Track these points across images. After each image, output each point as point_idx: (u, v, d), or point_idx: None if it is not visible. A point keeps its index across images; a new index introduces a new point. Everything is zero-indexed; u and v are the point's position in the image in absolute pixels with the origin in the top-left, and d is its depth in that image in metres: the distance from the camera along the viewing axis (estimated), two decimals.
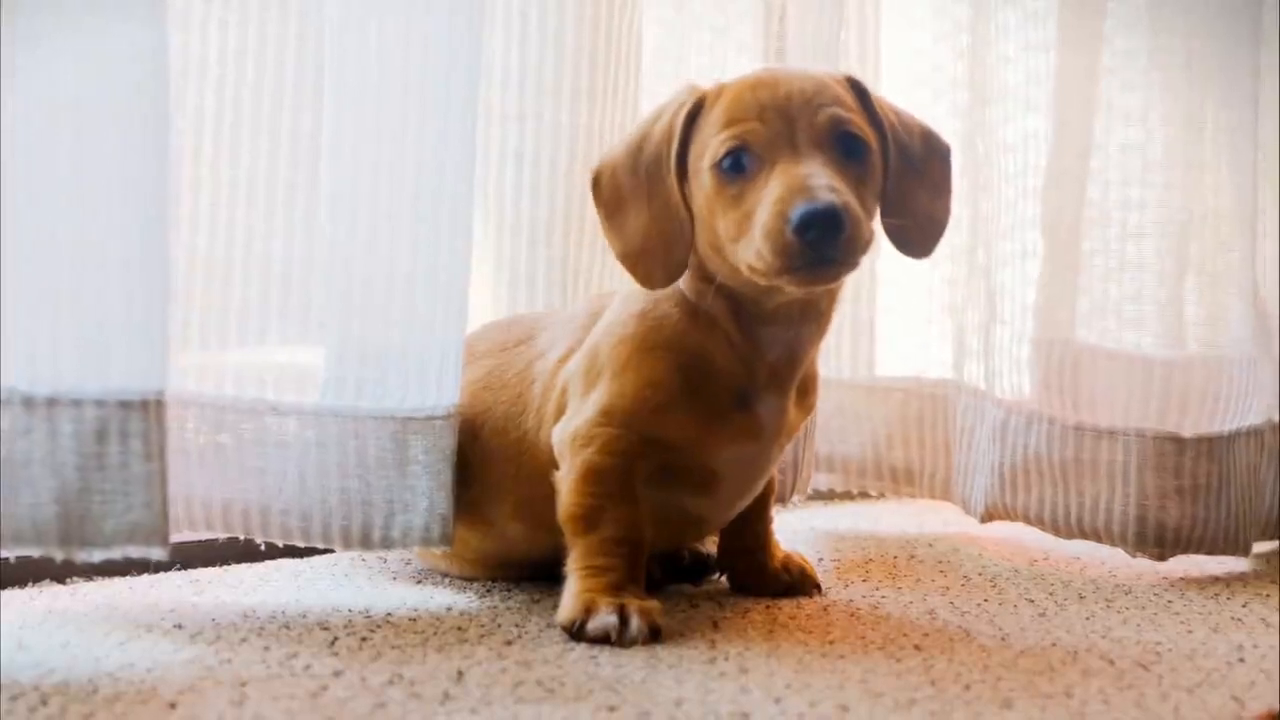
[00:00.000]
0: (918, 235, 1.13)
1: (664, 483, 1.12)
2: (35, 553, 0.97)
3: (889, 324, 1.65)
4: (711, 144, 1.05)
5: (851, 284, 1.57)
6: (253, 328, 1.16)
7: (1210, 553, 1.40)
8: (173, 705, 0.86)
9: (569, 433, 1.11)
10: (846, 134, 1.05)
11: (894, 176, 1.10)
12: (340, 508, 1.14)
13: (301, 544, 1.16)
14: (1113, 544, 1.40)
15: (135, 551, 0.98)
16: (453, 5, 1.13)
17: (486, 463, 1.18)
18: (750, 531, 1.24)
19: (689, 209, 1.08)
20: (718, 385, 1.10)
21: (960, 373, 1.53)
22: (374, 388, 1.14)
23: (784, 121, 1.04)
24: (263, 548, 1.22)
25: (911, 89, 1.60)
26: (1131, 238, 1.45)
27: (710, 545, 1.29)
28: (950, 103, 1.56)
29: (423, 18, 1.12)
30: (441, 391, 1.15)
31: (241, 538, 1.16)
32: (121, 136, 0.98)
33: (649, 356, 1.10)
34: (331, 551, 1.29)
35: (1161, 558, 1.40)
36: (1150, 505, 1.39)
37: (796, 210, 0.98)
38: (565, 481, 1.10)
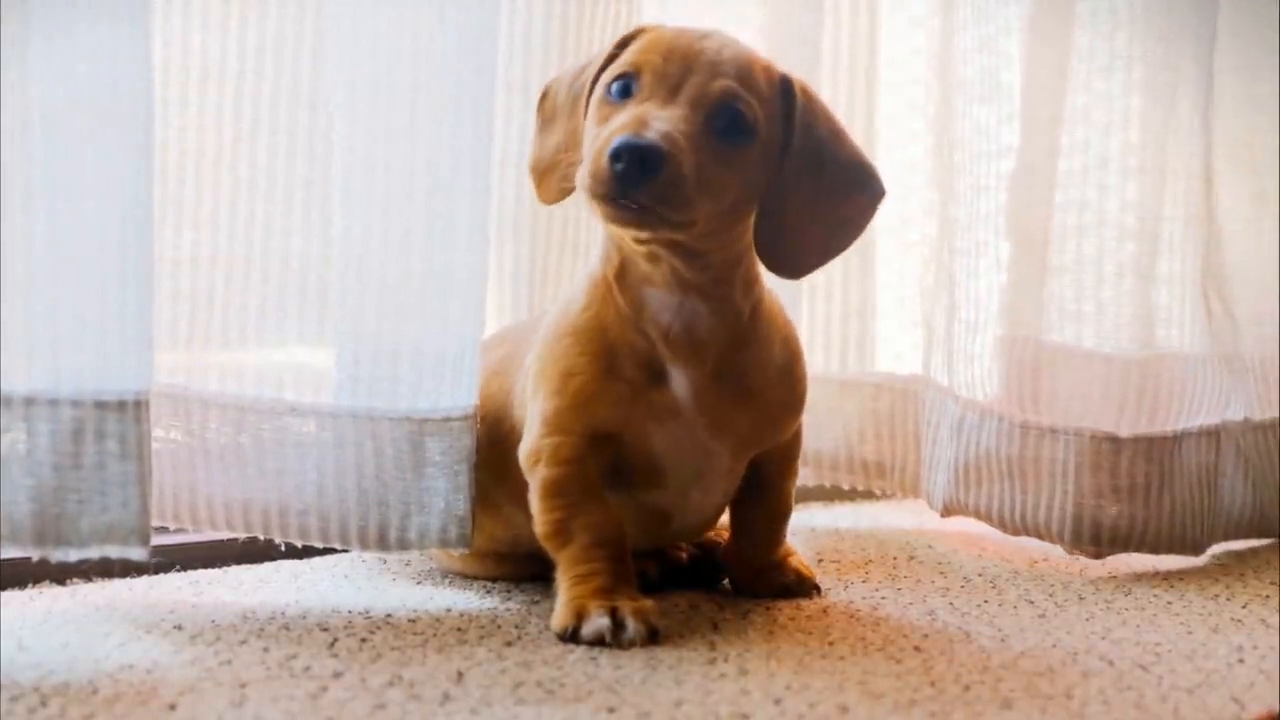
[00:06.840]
0: (781, 252, 1.10)
1: (616, 480, 1.12)
2: (12, 551, 0.98)
3: (874, 321, 1.64)
4: (613, 66, 1.07)
5: (825, 281, 1.59)
6: (271, 326, 1.17)
7: (1154, 552, 1.40)
8: (173, 706, 0.86)
9: (523, 452, 1.12)
10: (731, 110, 1.04)
11: (784, 184, 1.08)
12: (358, 509, 1.14)
13: (320, 544, 1.17)
14: (1052, 541, 1.41)
15: (114, 551, 0.98)
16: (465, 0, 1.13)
17: (490, 446, 1.18)
18: (756, 538, 1.22)
19: None
20: (624, 358, 1.10)
21: (928, 369, 1.53)
22: (389, 388, 1.14)
23: (681, 69, 1.04)
24: (266, 545, 1.22)
25: (906, 86, 1.60)
26: (1090, 237, 1.44)
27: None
28: (935, 102, 1.56)
29: (435, 12, 1.12)
30: (458, 392, 1.15)
31: (244, 537, 1.16)
32: (100, 135, 0.97)
33: (560, 345, 1.11)
34: (333, 552, 1.29)
35: (1098, 555, 1.40)
36: (1087, 504, 1.38)
37: (617, 138, 0.99)
38: (532, 501, 1.11)
